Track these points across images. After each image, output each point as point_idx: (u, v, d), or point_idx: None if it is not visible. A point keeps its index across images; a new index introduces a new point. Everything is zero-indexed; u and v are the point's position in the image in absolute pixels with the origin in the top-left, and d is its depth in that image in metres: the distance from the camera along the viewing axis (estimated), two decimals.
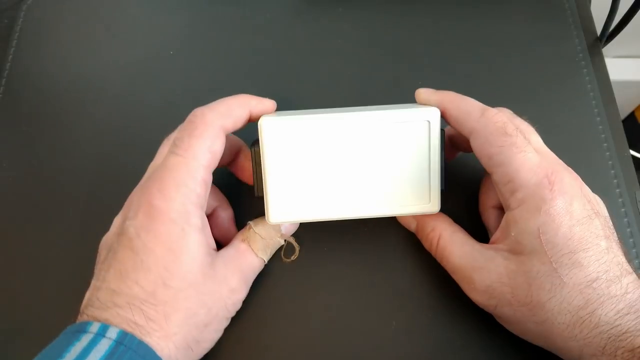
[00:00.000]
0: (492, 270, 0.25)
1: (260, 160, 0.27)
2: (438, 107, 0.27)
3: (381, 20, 0.38)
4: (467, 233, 0.28)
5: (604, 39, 0.37)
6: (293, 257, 0.30)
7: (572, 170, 0.26)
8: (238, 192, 0.32)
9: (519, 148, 0.25)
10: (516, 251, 0.25)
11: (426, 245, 0.29)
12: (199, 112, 0.26)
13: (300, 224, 0.31)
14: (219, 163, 0.28)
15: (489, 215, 0.29)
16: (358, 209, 0.28)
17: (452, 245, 0.28)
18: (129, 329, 0.23)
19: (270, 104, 0.29)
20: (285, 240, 0.30)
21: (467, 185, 0.32)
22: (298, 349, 0.29)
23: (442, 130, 0.28)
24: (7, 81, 0.38)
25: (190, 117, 0.26)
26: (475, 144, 0.26)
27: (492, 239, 0.27)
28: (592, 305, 0.23)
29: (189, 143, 0.25)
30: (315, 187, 0.27)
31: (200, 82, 0.37)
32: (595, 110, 0.34)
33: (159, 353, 0.23)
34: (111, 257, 0.25)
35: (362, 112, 0.27)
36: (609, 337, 0.22)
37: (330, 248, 0.31)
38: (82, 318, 0.24)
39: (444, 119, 0.27)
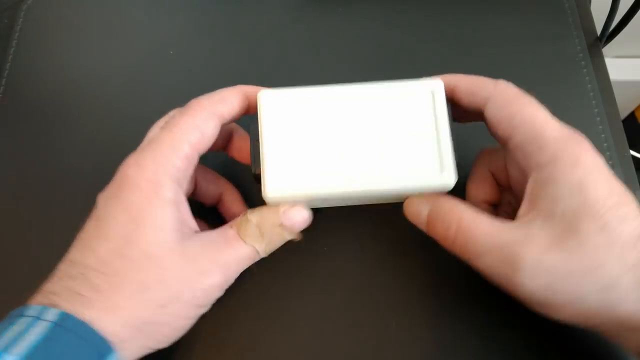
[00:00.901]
0: (537, 241, 0.22)
1: (258, 136, 0.26)
2: (448, 84, 0.26)
3: (381, 20, 0.38)
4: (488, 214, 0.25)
5: (604, 39, 0.37)
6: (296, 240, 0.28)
7: None
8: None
9: (539, 108, 0.24)
10: (556, 213, 0.22)
11: (441, 232, 0.25)
12: (195, 98, 0.26)
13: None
14: (214, 147, 0.27)
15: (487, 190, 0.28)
16: (363, 184, 0.25)
17: (479, 223, 0.24)
18: (72, 309, 0.22)
19: None
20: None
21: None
22: (298, 349, 0.29)
23: (449, 104, 0.26)
24: (7, 81, 0.38)
25: (187, 103, 0.27)
26: (492, 108, 0.25)
27: (520, 213, 0.24)
28: None
29: (179, 120, 0.25)
30: (315, 161, 0.25)
31: (200, 82, 0.37)
32: (595, 110, 0.34)
33: (100, 327, 0.22)
34: (81, 230, 0.25)
35: (363, 85, 0.26)
36: None
37: (331, 248, 0.31)
38: (34, 299, 0.23)
39: (453, 97, 0.26)
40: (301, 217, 0.27)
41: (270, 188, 0.25)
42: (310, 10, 0.39)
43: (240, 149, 0.30)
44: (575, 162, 0.22)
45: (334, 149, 0.26)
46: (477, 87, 0.26)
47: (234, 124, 0.30)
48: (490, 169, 0.29)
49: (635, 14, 0.35)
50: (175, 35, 0.39)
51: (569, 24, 0.37)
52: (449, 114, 0.26)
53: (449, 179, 0.25)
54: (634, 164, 0.33)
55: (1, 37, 0.40)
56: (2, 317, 0.30)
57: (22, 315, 0.22)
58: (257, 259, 0.27)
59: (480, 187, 0.28)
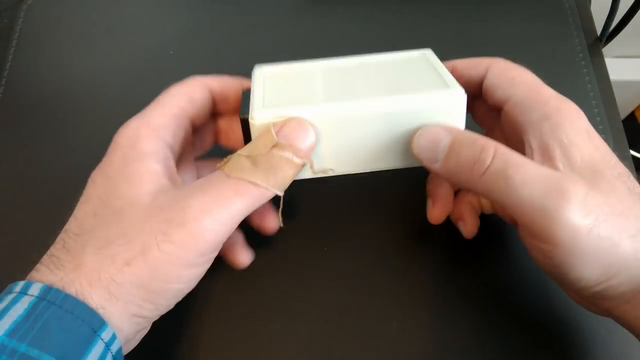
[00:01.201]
0: (579, 180, 0.21)
1: (249, 90, 0.25)
2: (448, 65, 0.27)
3: (381, 20, 0.38)
4: None
5: (604, 39, 0.37)
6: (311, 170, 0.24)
7: None
8: None
9: (530, 72, 0.25)
10: (574, 158, 0.22)
11: (472, 155, 0.22)
12: None
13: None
14: (207, 142, 0.28)
15: (464, 209, 0.28)
16: (365, 104, 0.22)
17: (517, 154, 0.21)
18: (50, 275, 0.21)
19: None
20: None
21: None
22: (297, 349, 0.29)
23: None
24: (7, 81, 0.38)
25: None
26: (493, 74, 0.26)
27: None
28: None
29: (168, 89, 0.26)
30: (311, 90, 0.24)
31: None
32: (595, 110, 0.34)
33: (71, 289, 0.20)
34: None
35: (356, 56, 0.27)
36: None
37: (330, 248, 0.31)
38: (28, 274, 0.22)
39: (454, 75, 0.26)
40: (301, 131, 0.22)
41: (257, 112, 0.22)
42: (310, 10, 0.39)
43: (226, 132, 0.29)
44: (579, 115, 0.23)
45: (331, 80, 0.24)
46: (476, 61, 0.27)
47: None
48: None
49: (635, 14, 0.35)
50: (175, 35, 0.39)
51: (569, 24, 0.37)
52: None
53: (459, 92, 0.23)
54: (634, 164, 0.33)
55: (1, 37, 0.40)
56: None
57: (8, 292, 0.21)
58: (263, 197, 0.22)
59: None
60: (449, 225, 0.29)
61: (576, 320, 0.27)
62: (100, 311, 0.20)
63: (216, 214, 0.21)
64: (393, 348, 0.28)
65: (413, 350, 0.28)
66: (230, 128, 0.29)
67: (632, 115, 0.81)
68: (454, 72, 0.27)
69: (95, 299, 0.20)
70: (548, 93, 0.24)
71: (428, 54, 0.27)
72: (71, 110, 0.37)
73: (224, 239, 0.22)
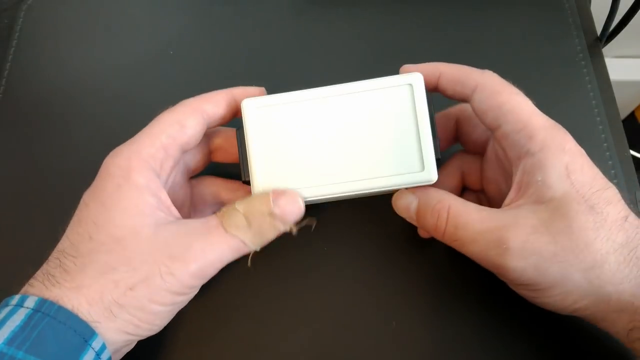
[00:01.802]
0: (524, 224, 0.23)
1: (244, 142, 0.26)
2: (433, 73, 0.27)
3: (381, 20, 0.38)
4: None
5: (604, 39, 0.37)
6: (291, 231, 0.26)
7: None
8: None
9: (524, 97, 0.25)
10: (544, 199, 0.23)
11: (431, 223, 0.25)
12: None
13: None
14: (202, 162, 0.29)
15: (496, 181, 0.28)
16: (348, 186, 0.26)
17: (468, 210, 0.24)
18: (45, 292, 0.23)
19: (255, 92, 0.28)
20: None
21: None
22: (298, 349, 0.29)
23: (429, 98, 0.26)
24: (7, 81, 0.38)
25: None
26: (481, 96, 0.25)
27: (507, 201, 0.25)
28: (633, 241, 0.22)
29: (161, 115, 0.26)
30: (303, 164, 0.26)
31: (200, 82, 0.37)
32: (595, 110, 0.34)
33: (67, 305, 0.22)
34: None
35: (345, 84, 0.27)
36: None
37: (331, 248, 0.31)
38: (23, 287, 0.24)
39: (438, 87, 0.27)
40: (293, 206, 0.25)
41: (258, 181, 0.26)
42: (310, 11, 0.39)
43: (221, 149, 0.30)
44: (562, 149, 0.23)
45: (319, 151, 0.26)
46: (463, 76, 0.26)
47: (219, 128, 0.30)
48: (463, 169, 0.30)
49: (635, 14, 0.35)
50: (175, 35, 0.39)
51: (569, 24, 0.37)
52: (429, 106, 0.26)
53: (430, 176, 0.25)
54: (634, 164, 0.33)
55: (1, 37, 0.40)
56: None
57: (5, 305, 0.23)
58: (245, 251, 0.25)
59: (447, 183, 0.29)
60: None
61: (577, 318, 0.27)
62: (95, 325, 0.22)
63: (211, 259, 0.24)
64: (393, 348, 0.28)
65: (413, 350, 0.28)
66: (224, 147, 0.29)
67: (632, 115, 0.81)
68: (439, 83, 0.26)
69: (94, 315, 0.22)
70: (536, 123, 0.24)
71: (416, 86, 0.26)
72: (71, 110, 0.37)
73: (213, 275, 0.25)
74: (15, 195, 0.34)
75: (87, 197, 0.25)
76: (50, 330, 0.21)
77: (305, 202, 0.26)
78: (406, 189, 0.27)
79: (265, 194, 0.25)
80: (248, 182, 0.27)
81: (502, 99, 0.25)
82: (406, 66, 0.27)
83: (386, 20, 0.38)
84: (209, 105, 0.27)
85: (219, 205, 0.31)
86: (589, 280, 0.22)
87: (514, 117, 0.24)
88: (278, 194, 0.25)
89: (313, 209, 0.29)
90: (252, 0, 0.40)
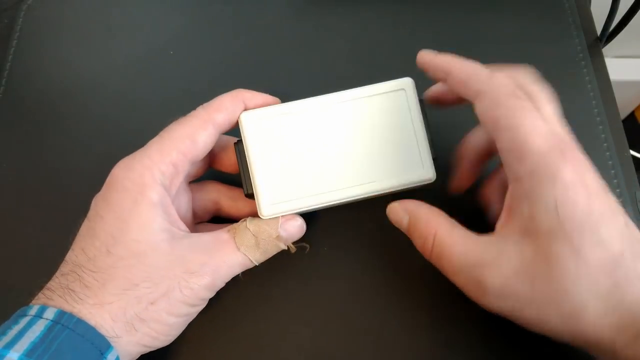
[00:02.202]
0: (504, 265, 0.22)
1: (245, 156, 0.27)
2: (443, 69, 0.26)
3: (381, 20, 0.38)
4: (466, 229, 0.25)
5: (604, 39, 0.37)
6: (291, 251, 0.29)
7: (581, 149, 0.23)
8: None
9: (529, 113, 0.22)
10: (530, 232, 0.22)
11: (419, 243, 0.25)
12: (195, 110, 0.27)
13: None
14: (217, 164, 0.28)
15: (495, 195, 0.27)
16: (352, 190, 0.27)
17: (452, 241, 0.24)
18: (66, 306, 0.23)
19: (265, 98, 0.28)
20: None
21: None
22: (297, 349, 0.29)
23: (421, 101, 0.28)
24: (7, 81, 0.38)
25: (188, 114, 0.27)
26: (480, 106, 0.24)
27: (498, 224, 0.24)
28: (622, 286, 0.20)
29: (172, 127, 0.26)
30: (305, 175, 0.27)
31: (200, 82, 0.37)
32: (595, 110, 0.34)
33: (91, 322, 0.23)
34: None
35: (339, 93, 0.27)
36: None
37: (331, 248, 0.31)
38: (36, 297, 0.24)
39: (447, 83, 0.26)
40: (298, 229, 0.28)
41: (265, 210, 0.27)
42: (310, 11, 0.39)
43: (220, 158, 0.30)
44: (553, 178, 0.21)
45: (320, 160, 0.27)
46: (469, 77, 0.24)
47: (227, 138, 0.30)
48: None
49: (635, 14, 0.35)
50: (175, 35, 0.39)
51: (569, 24, 0.37)
52: (422, 110, 0.27)
53: (429, 174, 0.27)
54: (634, 164, 0.33)
55: (1, 37, 0.40)
56: (1, 315, 0.30)
57: (23, 315, 0.23)
58: (250, 266, 0.27)
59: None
60: None
61: None
62: (116, 339, 0.23)
63: (224, 274, 0.26)
64: (393, 348, 0.28)
65: (413, 350, 0.28)
66: (224, 155, 0.29)
67: (632, 115, 0.81)
68: (447, 80, 0.26)
69: (117, 330, 0.23)
70: (531, 145, 0.22)
71: (409, 91, 0.27)
72: (71, 109, 0.37)
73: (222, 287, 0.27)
74: (15, 194, 0.34)
75: (101, 209, 0.25)
76: (69, 342, 0.22)
77: (310, 209, 0.27)
78: (399, 201, 0.27)
79: (275, 219, 0.27)
80: (250, 196, 0.27)
81: (499, 113, 0.23)
82: (423, 53, 0.27)
83: (386, 20, 0.38)
84: (220, 115, 0.27)
85: (217, 212, 0.31)
86: (567, 325, 0.21)
87: (509, 134, 0.22)
88: (286, 219, 0.27)
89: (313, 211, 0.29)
90: (252, 0, 0.40)
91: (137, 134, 0.35)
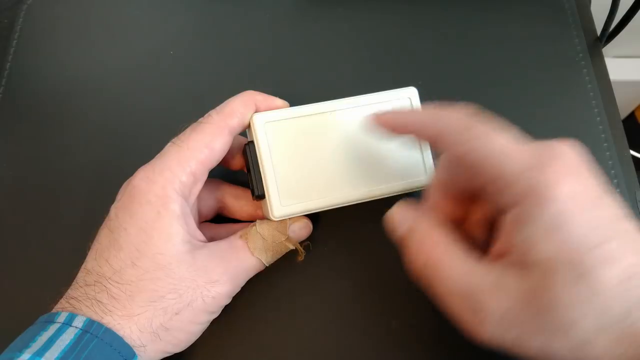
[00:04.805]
0: (507, 292, 0.20)
1: (256, 158, 0.27)
2: (402, 125, 0.24)
3: (381, 20, 0.38)
4: (465, 248, 0.22)
5: (604, 39, 0.37)
6: (298, 258, 0.30)
7: (560, 145, 0.21)
8: None
9: (499, 139, 0.21)
10: (528, 262, 0.19)
11: (410, 258, 0.23)
12: (208, 114, 0.27)
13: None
14: (225, 163, 0.29)
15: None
16: (358, 192, 0.28)
17: (451, 262, 0.21)
18: (94, 316, 0.23)
19: (276, 101, 0.28)
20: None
21: None
22: (297, 349, 0.29)
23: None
24: (7, 81, 0.38)
25: (199, 119, 0.27)
26: (443, 151, 0.23)
27: (495, 251, 0.22)
28: (635, 313, 0.18)
29: (189, 136, 0.26)
30: (313, 177, 0.27)
31: (200, 82, 0.37)
32: (595, 110, 0.34)
33: (120, 333, 0.23)
34: (95, 239, 0.26)
35: (347, 99, 0.28)
36: None
37: (331, 247, 0.31)
38: (59, 304, 0.25)
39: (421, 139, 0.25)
40: (306, 230, 0.29)
41: (277, 212, 0.27)
42: (310, 11, 0.39)
43: (227, 158, 0.29)
44: (546, 196, 0.19)
45: (328, 164, 0.28)
46: (424, 128, 0.23)
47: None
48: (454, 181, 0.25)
49: (635, 14, 0.35)
50: (175, 36, 0.39)
51: (569, 24, 0.37)
52: None
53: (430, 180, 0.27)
54: (634, 164, 0.33)
55: (1, 37, 0.40)
56: (1, 315, 0.30)
57: (51, 322, 0.23)
58: (262, 269, 0.28)
59: (443, 201, 0.25)
60: None
61: None
62: (142, 349, 0.24)
63: (242, 280, 0.27)
64: (393, 348, 0.28)
65: (413, 350, 0.28)
66: (231, 154, 0.29)
67: (632, 115, 0.81)
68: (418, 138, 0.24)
69: (143, 340, 0.24)
70: (511, 167, 0.20)
71: (413, 98, 0.29)
72: (71, 110, 0.36)
73: None
74: (14, 195, 0.34)
75: (125, 222, 0.25)
76: (98, 351, 0.22)
77: (318, 211, 0.28)
78: (397, 209, 0.25)
79: (284, 221, 0.28)
80: (259, 197, 0.28)
81: (464, 148, 0.21)
82: (375, 117, 0.25)
83: (386, 21, 0.38)
84: (235, 120, 0.27)
85: (221, 210, 0.31)
86: (575, 357, 0.19)
87: (482, 167, 0.21)
88: (293, 220, 0.28)
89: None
90: (252, 0, 0.40)
91: (137, 134, 0.35)
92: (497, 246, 0.21)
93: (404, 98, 0.29)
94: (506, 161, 0.20)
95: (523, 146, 0.21)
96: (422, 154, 0.28)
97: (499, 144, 0.21)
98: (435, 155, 0.29)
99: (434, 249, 0.22)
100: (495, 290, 0.20)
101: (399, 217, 0.24)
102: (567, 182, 0.19)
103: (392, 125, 0.24)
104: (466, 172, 0.23)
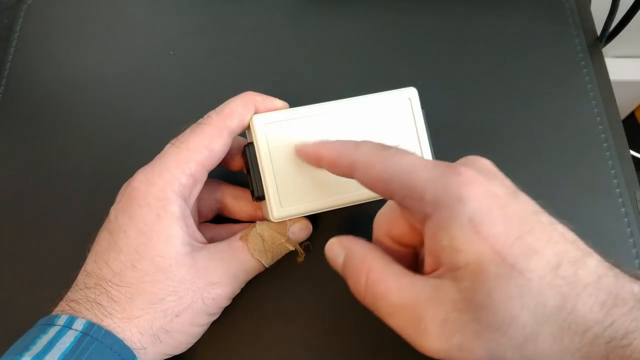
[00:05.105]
0: (443, 299, 0.19)
1: (255, 159, 0.27)
2: (315, 157, 0.25)
3: (381, 20, 0.38)
4: (402, 267, 0.22)
5: (604, 39, 0.37)
6: (298, 259, 0.30)
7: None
8: None
9: (402, 155, 0.22)
10: (460, 262, 0.19)
11: (353, 284, 0.23)
12: (207, 115, 0.27)
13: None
14: (225, 164, 0.28)
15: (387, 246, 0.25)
16: (358, 194, 0.28)
17: (388, 278, 0.21)
18: (94, 319, 0.23)
19: (275, 102, 0.28)
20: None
21: None
22: (297, 349, 0.29)
23: (423, 109, 0.29)
24: (7, 81, 0.38)
25: (199, 120, 0.27)
26: (359, 176, 0.23)
27: (427, 265, 0.21)
28: (570, 301, 0.18)
29: (188, 137, 0.26)
30: (313, 179, 0.27)
31: (199, 83, 0.37)
32: (595, 110, 0.34)
33: (120, 336, 0.23)
34: (94, 241, 0.26)
35: (347, 100, 0.28)
36: (608, 342, 0.17)
37: None
38: (59, 306, 0.25)
39: (330, 170, 0.25)
40: (305, 231, 0.29)
41: (277, 213, 0.27)
42: (310, 11, 0.39)
43: (226, 160, 0.29)
44: (459, 199, 0.19)
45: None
46: (338, 159, 0.24)
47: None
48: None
49: (635, 14, 0.35)
50: (175, 35, 0.39)
51: (569, 24, 0.37)
52: (424, 118, 0.28)
53: None
54: (634, 164, 0.33)
55: (1, 37, 0.40)
56: (1, 314, 0.30)
57: (51, 324, 0.23)
58: (262, 270, 0.28)
59: (384, 223, 0.25)
60: None
61: None
62: (142, 351, 0.24)
63: (242, 281, 0.28)
64: (393, 348, 0.28)
65: (413, 350, 0.28)
66: (230, 155, 0.29)
67: (632, 115, 0.81)
68: (326, 166, 0.25)
69: (144, 342, 0.24)
70: (421, 178, 0.20)
71: (413, 99, 0.28)
72: (71, 110, 0.36)
73: None
74: (14, 194, 0.34)
75: (124, 224, 0.25)
76: (98, 354, 0.22)
77: (317, 212, 0.28)
78: (335, 238, 0.25)
79: (283, 223, 0.28)
80: (259, 198, 0.27)
81: (377, 170, 0.22)
82: (297, 150, 0.26)
83: (386, 20, 0.38)
84: (234, 121, 0.27)
85: (220, 211, 0.31)
86: (525, 356, 0.18)
87: (396, 183, 0.21)
88: (293, 221, 0.28)
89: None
90: (252, 0, 0.40)
91: (136, 134, 0.35)
92: (428, 260, 0.21)
93: (404, 99, 0.28)
94: (416, 173, 0.21)
95: (428, 161, 0.21)
96: (422, 155, 0.28)
97: (408, 160, 0.21)
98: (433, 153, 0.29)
99: (371, 269, 0.22)
100: (433, 300, 0.20)
101: (335, 248, 0.24)
102: (478, 183, 0.20)
103: (307, 156, 0.26)
104: (386, 193, 0.22)
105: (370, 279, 0.22)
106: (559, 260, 0.18)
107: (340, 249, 0.24)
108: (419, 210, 0.21)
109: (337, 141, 0.25)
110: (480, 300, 0.19)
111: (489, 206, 0.19)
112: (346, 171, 0.24)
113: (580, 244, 0.19)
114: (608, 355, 0.17)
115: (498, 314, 0.18)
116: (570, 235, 0.19)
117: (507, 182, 0.21)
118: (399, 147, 0.23)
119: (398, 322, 0.21)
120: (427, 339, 0.20)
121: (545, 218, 0.20)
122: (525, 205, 0.20)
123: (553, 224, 0.19)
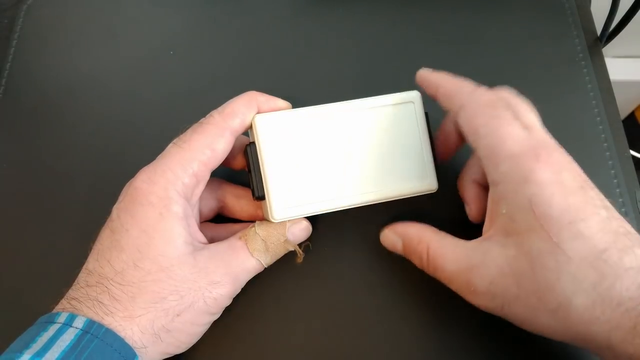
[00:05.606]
0: (490, 265, 0.23)
1: (257, 159, 0.27)
2: (434, 84, 0.27)
3: (381, 20, 0.38)
4: (455, 237, 0.26)
5: (604, 39, 0.37)
6: (297, 260, 0.30)
7: (564, 151, 0.24)
8: None
9: (506, 121, 0.24)
10: (511, 232, 0.23)
11: (417, 261, 0.27)
12: (209, 115, 0.27)
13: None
14: (227, 163, 0.28)
15: (467, 190, 0.28)
16: (359, 197, 0.28)
17: (443, 251, 0.25)
18: (95, 317, 0.23)
19: (278, 102, 0.28)
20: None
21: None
22: (297, 349, 0.29)
23: (426, 113, 0.29)
24: (7, 81, 0.38)
25: (201, 120, 0.27)
26: (463, 118, 0.25)
27: (484, 228, 0.25)
28: (608, 279, 0.20)
29: (191, 137, 0.26)
30: (314, 180, 0.27)
31: (200, 82, 0.37)
32: (595, 110, 0.34)
33: (121, 334, 0.23)
34: (96, 239, 0.26)
35: (351, 102, 0.28)
36: (638, 315, 0.20)
37: (330, 248, 0.31)
38: (60, 304, 0.25)
39: (437, 99, 0.28)
40: (305, 232, 0.29)
41: (277, 212, 0.27)
42: (310, 11, 0.39)
43: (228, 159, 0.29)
44: (526, 179, 0.22)
45: (331, 166, 0.27)
46: (454, 92, 0.26)
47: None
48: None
49: (635, 14, 0.35)
50: (175, 35, 0.39)
51: (569, 24, 0.37)
52: (427, 121, 0.28)
53: (432, 185, 0.28)
54: (634, 164, 0.33)
55: (1, 37, 0.40)
56: (2, 314, 0.30)
57: (51, 322, 0.23)
58: (262, 270, 0.28)
59: (470, 169, 0.29)
60: (448, 224, 0.29)
61: None
62: (143, 350, 0.24)
63: (242, 281, 0.28)
64: (393, 348, 0.28)
65: (412, 350, 0.28)
66: (232, 154, 0.29)
67: (632, 115, 0.81)
68: (436, 95, 0.27)
69: (145, 341, 0.24)
70: (506, 150, 0.23)
71: (416, 103, 0.29)
72: (71, 110, 0.37)
73: None
74: (14, 194, 0.34)
75: (126, 223, 0.25)
76: (99, 352, 0.22)
77: (318, 214, 0.28)
78: (387, 229, 0.29)
79: (283, 223, 0.28)
80: (260, 198, 0.27)
81: (478, 122, 0.24)
82: (421, 71, 0.29)
83: (386, 21, 0.38)
84: (236, 120, 0.27)
85: (221, 210, 0.31)
86: (558, 321, 0.22)
87: (486, 141, 0.24)
88: (293, 222, 0.28)
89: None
90: (253, 0, 0.40)
91: (138, 134, 0.35)
92: (487, 221, 0.25)
93: (408, 102, 0.28)
94: (505, 142, 0.23)
95: (524, 136, 0.23)
96: (424, 158, 0.28)
97: (505, 129, 0.24)
98: (439, 160, 0.29)
99: (430, 247, 0.26)
100: (482, 265, 0.23)
101: (390, 236, 0.28)
102: (549, 171, 0.22)
103: (425, 82, 0.28)
104: (471, 143, 0.25)
105: (430, 255, 0.26)
106: (607, 246, 0.21)
107: (395, 237, 0.28)
108: (491, 172, 0.24)
109: (459, 80, 0.27)
110: (522, 268, 0.22)
111: (552, 193, 0.22)
112: (454, 109, 0.26)
113: (635, 235, 0.21)
114: (635, 326, 0.20)
115: (538, 283, 0.21)
116: (627, 228, 0.22)
117: (580, 177, 0.23)
118: (510, 105, 0.24)
119: (455, 287, 0.25)
120: (477, 298, 0.24)
121: (604, 212, 0.22)
122: (588, 199, 0.22)
123: (611, 218, 0.22)
